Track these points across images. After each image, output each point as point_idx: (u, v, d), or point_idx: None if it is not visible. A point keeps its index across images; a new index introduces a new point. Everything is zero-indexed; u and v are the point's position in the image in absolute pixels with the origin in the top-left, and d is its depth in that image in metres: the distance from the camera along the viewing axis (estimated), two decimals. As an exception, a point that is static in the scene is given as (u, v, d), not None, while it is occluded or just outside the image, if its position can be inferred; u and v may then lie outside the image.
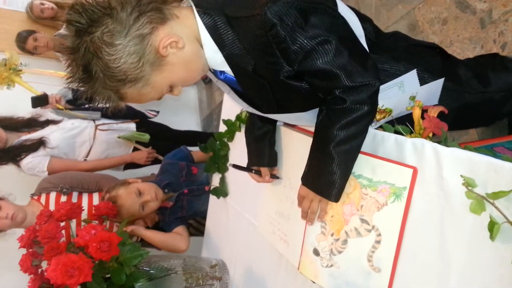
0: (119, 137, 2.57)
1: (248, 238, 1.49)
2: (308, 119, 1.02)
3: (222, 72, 0.97)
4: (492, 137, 1.74)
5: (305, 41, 0.82)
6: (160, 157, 2.49)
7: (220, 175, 1.70)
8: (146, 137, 2.59)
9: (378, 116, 1.09)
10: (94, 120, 2.62)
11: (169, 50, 0.85)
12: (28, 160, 2.33)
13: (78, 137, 2.49)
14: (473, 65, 1.31)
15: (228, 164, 1.64)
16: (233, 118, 1.60)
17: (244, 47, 0.88)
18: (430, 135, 0.95)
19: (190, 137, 2.31)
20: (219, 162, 1.67)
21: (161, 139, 2.63)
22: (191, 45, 0.88)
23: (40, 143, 2.38)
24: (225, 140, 1.66)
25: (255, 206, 1.44)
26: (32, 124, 2.47)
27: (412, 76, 1.10)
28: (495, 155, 0.82)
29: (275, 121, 1.24)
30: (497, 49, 1.70)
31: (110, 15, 0.80)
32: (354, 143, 0.92)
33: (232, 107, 1.62)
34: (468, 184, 0.76)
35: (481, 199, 0.74)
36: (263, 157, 1.26)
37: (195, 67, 0.92)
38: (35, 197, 2.20)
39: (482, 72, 1.26)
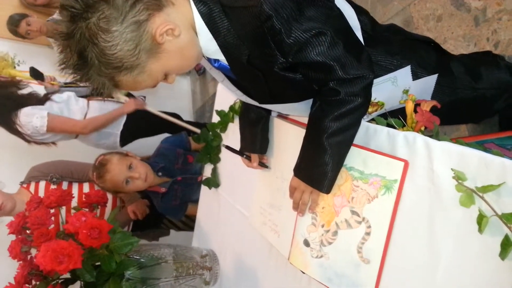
0: None
1: (239, 228, 1.49)
2: (301, 109, 1.02)
3: (216, 60, 0.96)
4: (483, 133, 1.76)
5: (300, 33, 0.82)
6: (151, 109, 2.53)
7: (212, 166, 1.70)
8: None
9: (370, 109, 1.10)
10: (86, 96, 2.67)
11: (165, 38, 0.84)
12: (28, 109, 2.31)
13: (73, 106, 2.52)
14: (467, 61, 1.32)
15: (221, 144, 1.63)
16: (226, 109, 1.60)
17: (239, 37, 0.87)
18: (422, 128, 0.95)
19: (182, 127, 2.32)
20: (212, 152, 1.67)
21: (154, 127, 2.64)
22: (187, 32, 0.88)
23: (46, 99, 2.42)
24: (218, 131, 1.66)
25: (246, 197, 1.44)
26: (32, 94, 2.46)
27: (405, 72, 1.11)
28: (485, 150, 0.83)
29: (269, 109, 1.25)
30: (490, 47, 1.72)
31: (106, 1, 0.79)
32: (347, 134, 0.92)
33: (225, 98, 1.62)
34: (459, 177, 0.77)
35: (471, 192, 0.75)
36: (255, 143, 1.27)
37: (190, 55, 0.91)
38: (25, 185, 2.18)
39: (475, 68, 1.28)
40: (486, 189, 0.73)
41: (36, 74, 2.71)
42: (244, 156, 1.29)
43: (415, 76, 1.12)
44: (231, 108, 1.55)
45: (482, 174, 0.76)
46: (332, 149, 0.92)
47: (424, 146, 0.86)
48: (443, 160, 0.83)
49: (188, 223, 2.29)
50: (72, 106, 2.50)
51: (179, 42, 0.86)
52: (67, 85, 2.75)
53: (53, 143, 2.54)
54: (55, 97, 2.46)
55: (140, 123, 2.57)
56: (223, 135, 1.65)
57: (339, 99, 0.88)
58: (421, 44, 1.22)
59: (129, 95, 2.71)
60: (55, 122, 2.34)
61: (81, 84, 2.70)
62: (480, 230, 0.73)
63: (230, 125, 1.60)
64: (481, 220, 0.73)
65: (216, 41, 0.89)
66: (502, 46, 1.69)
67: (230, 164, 1.60)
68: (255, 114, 1.25)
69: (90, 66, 0.82)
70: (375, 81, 1.03)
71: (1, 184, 2.14)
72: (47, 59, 3.46)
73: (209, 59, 0.98)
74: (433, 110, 0.97)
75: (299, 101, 1.01)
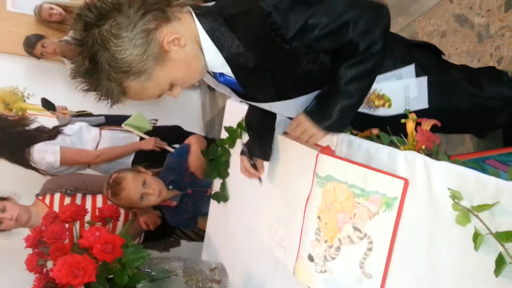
0: (124, 125, 2.66)
1: (247, 242, 1.53)
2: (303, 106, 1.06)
3: (222, 74, 1.01)
4: (487, 149, 1.78)
5: (299, 18, 0.87)
6: (169, 148, 2.56)
7: (221, 181, 1.75)
8: (149, 126, 2.69)
9: (377, 102, 1.13)
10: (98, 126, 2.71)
11: (172, 47, 0.89)
12: (41, 146, 2.35)
13: (85, 136, 2.54)
14: (467, 70, 1.34)
15: (241, 143, 1.62)
16: (234, 125, 1.65)
17: (243, 43, 0.92)
18: (423, 147, 0.99)
19: None
20: (220, 167, 1.72)
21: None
22: (192, 45, 0.94)
23: (57, 132, 2.44)
24: (227, 146, 1.70)
25: (254, 211, 1.48)
26: (41, 129, 2.50)
27: (410, 70, 1.14)
28: (482, 169, 0.87)
29: (274, 119, 1.30)
30: (494, 63, 1.74)
31: (118, 10, 0.86)
32: (364, 82, 0.96)
33: (234, 114, 1.67)
34: (455, 196, 0.80)
35: (467, 211, 0.78)
36: (256, 149, 1.34)
37: (195, 67, 0.96)
38: (40, 198, 2.24)
39: (476, 78, 1.30)
40: (481, 208, 0.76)
41: (47, 105, 2.76)
42: (253, 163, 1.33)
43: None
44: (239, 125, 1.59)
45: (478, 194, 0.79)
46: (349, 94, 0.96)
47: (423, 165, 0.89)
48: (441, 180, 0.86)
49: (200, 233, 2.33)
50: (84, 136, 2.53)
51: (185, 52, 0.92)
52: (78, 113, 2.78)
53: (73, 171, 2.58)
54: (66, 129, 2.49)
55: (152, 153, 2.59)
56: (231, 150, 1.70)
57: (359, 51, 0.92)
58: (420, 48, 1.26)
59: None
60: (68, 156, 2.37)
61: (93, 113, 2.75)
62: (476, 247, 0.76)
63: (238, 141, 1.65)
64: (476, 238, 0.76)
65: (222, 54, 0.95)
66: (506, 62, 1.71)
67: (238, 179, 1.64)
68: (260, 123, 1.31)
69: (101, 71, 0.87)
70: (380, 77, 1.07)
71: (17, 196, 2.21)
72: (59, 75, 3.57)
73: (214, 75, 1.03)
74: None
75: (304, 94, 1.06)
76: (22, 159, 2.37)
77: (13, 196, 2.16)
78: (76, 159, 2.43)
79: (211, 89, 4.10)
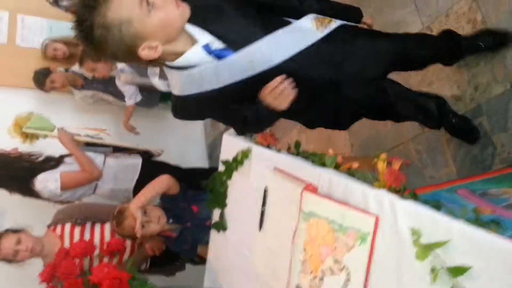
0: (25, 128, 2.71)
1: (246, 270, 1.63)
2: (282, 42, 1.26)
3: (210, 51, 1.21)
4: (471, 171, 1.88)
5: None
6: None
7: (220, 211, 1.86)
8: (50, 125, 2.76)
9: (325, 22, 1.33)
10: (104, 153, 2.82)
11: None
12: (42, 176, 2.47)
13: None
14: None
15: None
16: (230, 158, 1.77)
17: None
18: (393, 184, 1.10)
19: (192, 176, 2.43)
20: (219, 198, 1.84)
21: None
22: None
23: (59, 162, 2.56)
24: (224, 178, 1.82)
25: (250, 241, 1.59)
26: (49, 160, 2.62)
27: None
28: (443, 206, 0.98)
29: None
30: (471, 90, 1.86)
31: None
32: None
33: (229, 148, 1.79)
34: (414, 233, 0.92)
35: (424, 247, 0.90)
36: None
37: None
38: (51, 228, 2.37)
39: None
40: (435, 245, 0.87)
41: None
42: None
43: None
44: (234, 159, 1.72)
45: (435, 232, 0.90)
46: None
47: (389, 204, 1.01)
48: (404, 217, 0.97)
49: (204, 257, 2.44)
50: None
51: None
52: (87, 143, 2.81)
53: (79, 200, 2.68)
54: (68, 158, 2.59)
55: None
56: (228, 181, 1.82)
57: None
58: None
59: None
60: (67, 180, 2.47)
61: (101, 142, 2.87)
62: (432, 280, 0.87)
63: (235, 173, 1.77)
64: (432, 272, 0.87)
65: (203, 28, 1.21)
66: (481, 88, 1.83)
67: (236, 209, 1.76)
68: None
69: None
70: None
71: (29, 227, 2.34)
72: (69, 105, 3.73)
73: (206, 52, 1.22)
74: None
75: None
76: (32, 191, 2.50)
77: (26, 228, 2.29)
78: (75, 181, 2.51)
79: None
